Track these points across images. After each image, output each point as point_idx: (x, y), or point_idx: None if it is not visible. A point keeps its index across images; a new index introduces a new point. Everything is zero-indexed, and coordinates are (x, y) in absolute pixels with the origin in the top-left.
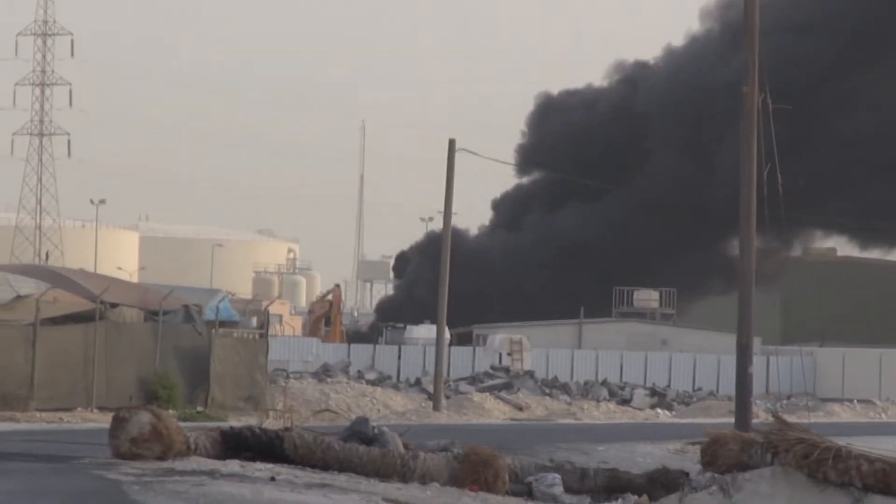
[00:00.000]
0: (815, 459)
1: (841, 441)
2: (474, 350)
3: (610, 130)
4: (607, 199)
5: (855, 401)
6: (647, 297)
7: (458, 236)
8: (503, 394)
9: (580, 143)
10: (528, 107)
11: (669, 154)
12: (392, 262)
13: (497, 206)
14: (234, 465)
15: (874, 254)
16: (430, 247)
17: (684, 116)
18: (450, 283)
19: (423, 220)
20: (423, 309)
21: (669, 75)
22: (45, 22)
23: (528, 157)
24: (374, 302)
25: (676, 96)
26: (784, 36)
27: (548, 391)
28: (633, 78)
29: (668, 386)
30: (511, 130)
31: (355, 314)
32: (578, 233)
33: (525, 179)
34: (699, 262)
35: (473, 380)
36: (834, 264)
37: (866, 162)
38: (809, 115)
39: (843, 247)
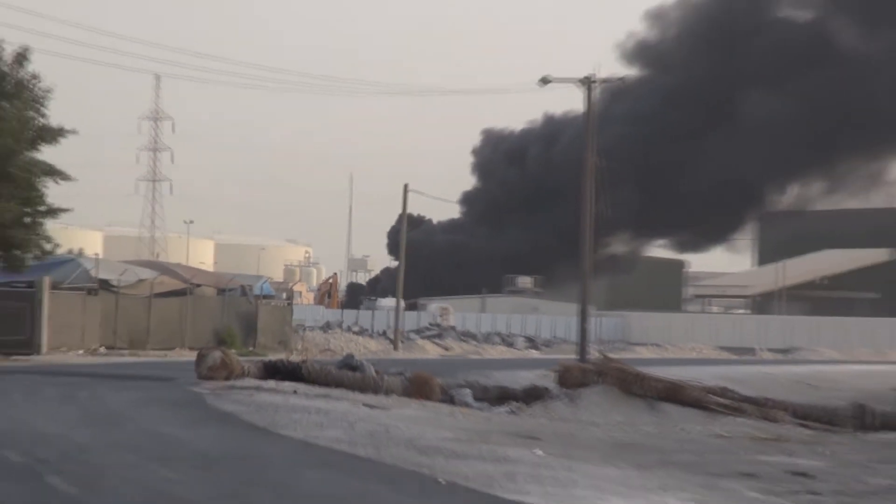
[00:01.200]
0: (626, 381)
1: (642, 369)
2: (419, 314)
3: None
4: (518, 220)
5: (651, 345)
6: (525, 282)
7: (425, 232)
8: (436, 340)
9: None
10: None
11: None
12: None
13: (462, 201)
14: (271, 383)
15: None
16: (394, 248)
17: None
18: (406, 270)
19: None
20: (387, 285)
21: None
22: (156, 109)
23: (468, 196)
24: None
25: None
26: (626, 124)
27: (464, 339)
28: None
29: (538, 335)
30: None
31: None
32: (491, 239)
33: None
34: (567, 260)
35: (418, 332)
36: (642, 260)
37: (676, 199)
38: (646, 169)
39: (661, 251)
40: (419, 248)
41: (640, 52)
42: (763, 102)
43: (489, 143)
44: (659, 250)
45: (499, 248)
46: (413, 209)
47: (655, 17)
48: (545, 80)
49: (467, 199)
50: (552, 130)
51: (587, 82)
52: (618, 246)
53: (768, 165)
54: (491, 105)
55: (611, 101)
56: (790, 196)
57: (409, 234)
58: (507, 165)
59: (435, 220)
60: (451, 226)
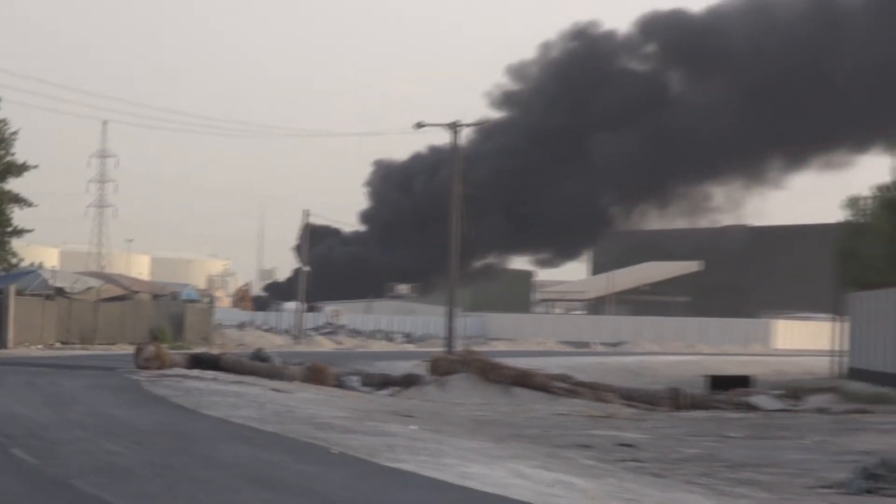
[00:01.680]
0: (485, 369)
1: (498, 360)
2: (316, 314)
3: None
4: (403, 237)
5: (506, 340)
6: (403, 288)
7: (328, 247)
8: (331, 336)
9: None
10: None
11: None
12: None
13: (361, 219)
14: (196, 372)
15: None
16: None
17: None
18: (308, 278)
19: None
20: (291, 291)
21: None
22: (102, 149)
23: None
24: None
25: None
26: (498, 157)
27: (353, 335)
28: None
29: (413, 332)
30: None
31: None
32: (381, 253)
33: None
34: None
35: (316, 329)
36: (501, 271)
37: (537, 222)
38: (513, 197)
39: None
40: (320, 259)
41: (506, 99)
42: (608, 141)
43: (380, 172)
44: (514, 262)
45: (387, 260)
46: (326, 222)
47: (517, 70)
48: (419, 125)
49: (366, 217)
50: (435, 161)
51: (453, 126)
52: (484, 260)
53: (613, 193)
54: (384, 144)
55: (485, 138)
56: (629, 218)
57: (315, 245)
58: (397, 191)
59: (347, 229)
60: (355, 238)
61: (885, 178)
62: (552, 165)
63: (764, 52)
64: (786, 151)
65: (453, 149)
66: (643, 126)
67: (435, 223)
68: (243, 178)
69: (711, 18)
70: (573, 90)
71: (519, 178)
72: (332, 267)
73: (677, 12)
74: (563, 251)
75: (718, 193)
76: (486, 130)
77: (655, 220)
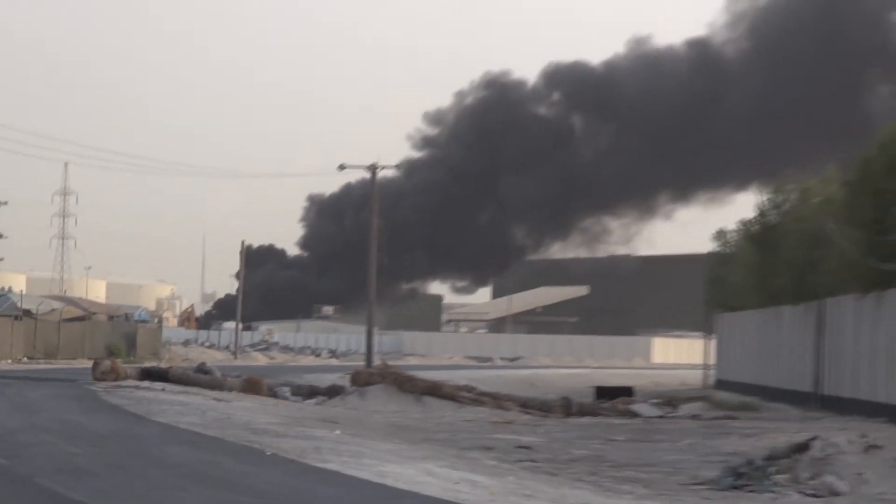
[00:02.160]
0: (400, 381)
1: (411, 372)
2: (252, 333)
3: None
4: (333, 264)
5: (419, 356)
6: (328, 310)
7: (269, 270)
8: (265, 352)
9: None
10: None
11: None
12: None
13: (300, 246)
14: (146, 383)
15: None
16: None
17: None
18: (247, 300)
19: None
20: (232, 313)
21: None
22: (64, 187)
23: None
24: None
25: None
26: (420, 194)
27: (284, 351)
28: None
29: (337, 348)
30: None
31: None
32: (312, 277)
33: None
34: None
35: (252, 346)
36: (419, 296)
37: (453, 252)
38: (434, 229)
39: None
40: (259, 283)
41: (426, 142)
42: (518, 180)
43: (314, 206)
44: (434, 287)
45: (318, 285)
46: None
47: (435, 116)
48: (342, 167)
49: (302, 245)
50: (364, 194)
51: (372, 168)
52: (408, 285)
53: (523, 226)
54: (317, 181)
55: (410, 173)
56: (536, 248)
57: (258, 268)
58: (329, 222)
59: (289, 250)
60: (293, 262)
61: (750, 215)
62: (469, 201)
63: (654, 99)
64: (675, 189)
65: (371, 189)
66: (550, 166)
67: (358, 253)
68: (188, 213)
69: (608, 70)
70: (486, 134)
71: (440, 212)
72: (269, 290)
73: (578, 64)
74: (478, 278)
75: (614, 226)
76: (412, 166)
77: (558, 250)
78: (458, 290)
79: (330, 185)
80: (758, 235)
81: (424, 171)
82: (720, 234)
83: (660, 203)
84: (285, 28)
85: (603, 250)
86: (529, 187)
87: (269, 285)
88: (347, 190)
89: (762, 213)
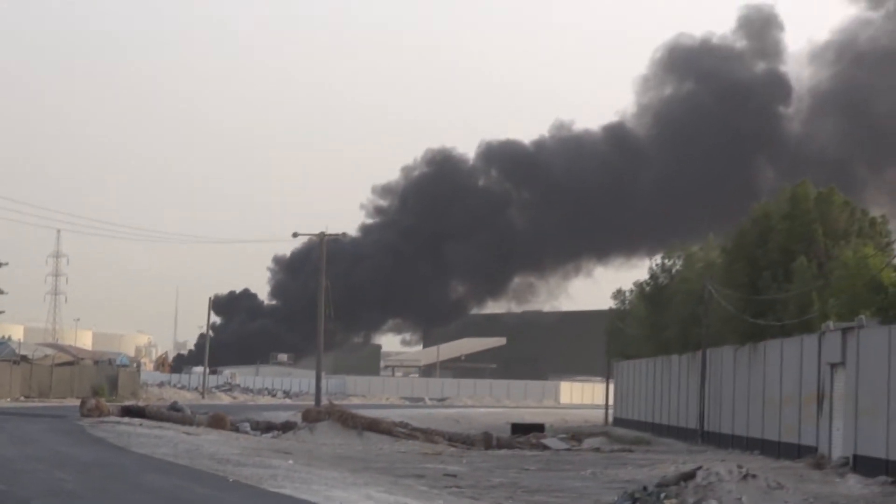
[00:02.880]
0: (344, 418)
1: (354, 411)
2: (218, 376)
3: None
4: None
5: (360, 396)
6: (283, 357)
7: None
8: (229, 393)
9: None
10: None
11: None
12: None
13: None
14: (126, 419)
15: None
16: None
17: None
18: (215, 346)
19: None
20: (199, 358)
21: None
22: (56, 250)
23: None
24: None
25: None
26: (379, 251)
27: (245, 392)
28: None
29: (291, 390)
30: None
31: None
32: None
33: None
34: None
35: (218, 387)
36: (365, 345)
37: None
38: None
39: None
40: (226, 332)
41: (378, 211)
42: (459, 245)
43: (279, 266)
44: (384, 338)
45: (278, 333)
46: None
47: (384, 188)
48: (295, 234)
49: (269, 299)
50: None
51: (321, 236)
52: (357, 336)
53: (462, 284)
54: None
55: (365, 237)
56: (472, 304)
57: (232, 312)
58: (289, 281)
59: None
60: (261, 310)
61: (644, 276)
62: (416, 262)
63: (576, 175)
64: (594, 252)
65: (320, 253)
66: (487, 232)
67: (309, 308)
68: (163, 272)
69: (537, 148)
70: (431, 203)
71: (391, 272)
72: (238, 338)
73: (510, 142)
74: (423, 330)
75: (541, 284)
76: (366, 230)
77: (492, 306)
78: (406, 343)
79: (294, 246)
80: (650, 294)
81: (378, 233)
82: (618, 293)
83: (582, 264)
84: (255, 107)
85: (530, 305)
86: (469, 251)
87: (237, 334)
88: (307, 250)
89: (654, 276)
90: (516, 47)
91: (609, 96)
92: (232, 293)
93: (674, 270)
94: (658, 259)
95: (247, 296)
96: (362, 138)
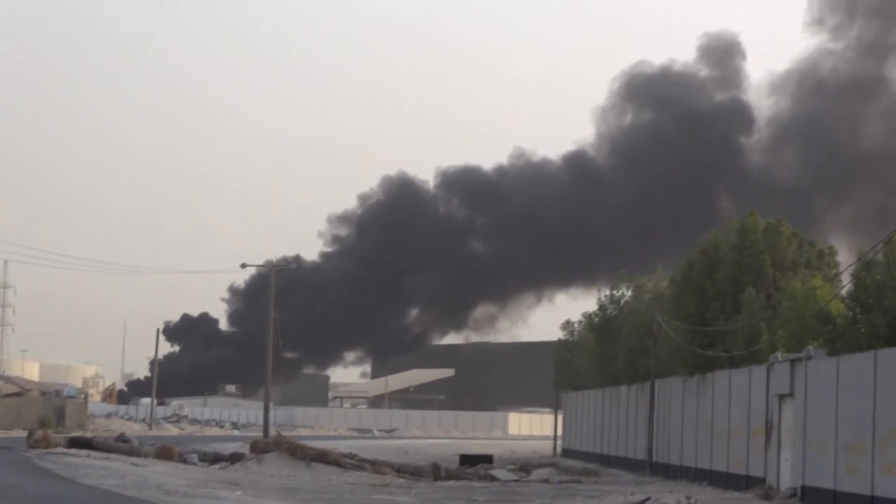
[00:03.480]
0: (292, 449)
1: (302, 442)
2: (165, 407)
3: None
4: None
5: (309, 427)
6: (231, 388)
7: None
8: (176, 424)
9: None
10: None
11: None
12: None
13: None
14: (74, 451)
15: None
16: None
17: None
18: (164, 376)
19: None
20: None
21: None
22: (3, 281)
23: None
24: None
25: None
26: (338, 279)
27: (193, 423)
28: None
29: (239, 421)
30: None
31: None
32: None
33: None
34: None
35: (165, 418)
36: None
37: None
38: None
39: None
40: (175, 362)
41: (335, 240)
42: (419, 272)
43: (235, 296)
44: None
45: (227, 364)
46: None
47: (342, 217)
48: (244, 265)
49: (229, 323)
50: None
51: (269, 267)
52: (305, 367)
53: (423, 315)
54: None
55: (325, 263)
56: (430, 335)
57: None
58: (245, 309)
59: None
60: (224, 339)
61: (593, 307)
62: (375, 293)
63: (537, 204)
64: (556, 282)
65: (269, 285)
66: (447, 261)
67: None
68: (111, 303)
69: (498, 175)
70: (388, 232)
71: (347, 301)
72: (186, 368)
73: (471, 169)
74: (382, 360)
75: (500, 313)
76: (327, 258)
77: (450, 336)
78: (365, 375)
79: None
80: (599, 325)
81: (337, 261)
82: (567, 324)
83: (544, 293)
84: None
85: (492, 335)
86: (429, 281)
87: (190, 363)
88: (263, 281)
89: (602, 307)
90: (474, 75)
91: (570, 124)
92: (188, 317)
93: (622, 301)
94: (606, 290)
95: (205, 321)
96: (314, 166)
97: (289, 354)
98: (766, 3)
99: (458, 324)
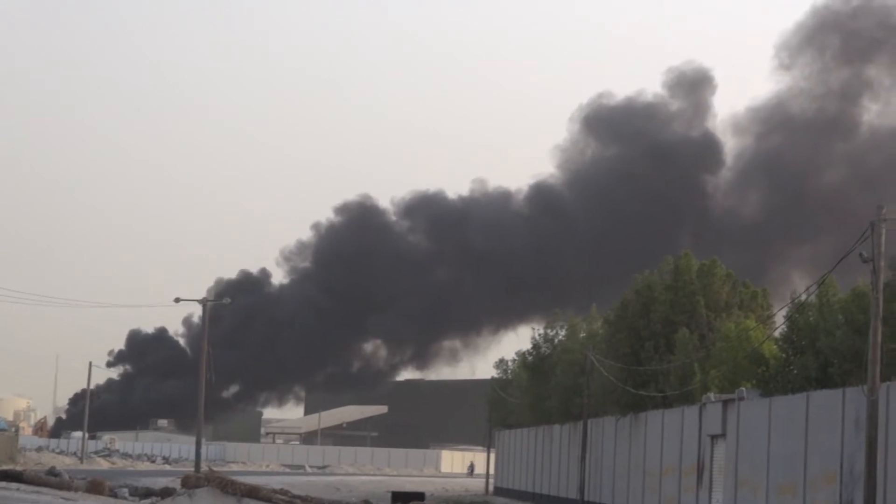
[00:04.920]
0: (223, 484)
1: (234, 477)
2: (97, 441)
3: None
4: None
5: (240, 462)
6: (163, 422)
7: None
8: (108, 458)
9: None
10: None
11: None
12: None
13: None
14: (3, 484)
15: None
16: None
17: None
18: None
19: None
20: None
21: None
22: None
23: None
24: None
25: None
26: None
27: (125, 458)
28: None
29: (171, 455)
30: None
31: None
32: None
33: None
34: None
35: (97, 452)
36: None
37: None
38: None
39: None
40: (109, 400)
41: (292, 271)
42: (380, 308)
43: (188, 329)
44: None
45: (160, 399)
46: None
47: (295, 248)
48: (177, 300)
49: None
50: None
51: (203, 302)
52: (240, 405)
53: (390, 352)
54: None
55: (282, 292)
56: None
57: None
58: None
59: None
60: (143, 374)
61: (527, 346)
62: (331, 328)
63: (499, 236)
64: (518, 314)
65: (203, 321)
66: (408, 295)
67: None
68: (43, 336)
69: (464, 203)
70: (345, 263)
71: (303, 336)
72: (115, 403)
73: (433, 197)
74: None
75: (463, 348)
76: (282, 289)
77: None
78: (309, 409)
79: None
80: (532, 363)
81: (291, 292)
82: (501, 363)
83: (509, 327)
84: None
85: (454, 370)
86: (389, 317)
87: (122, 395)
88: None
89: (536, 345)
90: (438, 101)
91: (532, 155)
92: (122, 351)
93: (556, 340)
94: (541, 329)
95: (141, 352)
96: (259, 194)
97: (230, 390)
98: (733, 44)
99: (419, 359)
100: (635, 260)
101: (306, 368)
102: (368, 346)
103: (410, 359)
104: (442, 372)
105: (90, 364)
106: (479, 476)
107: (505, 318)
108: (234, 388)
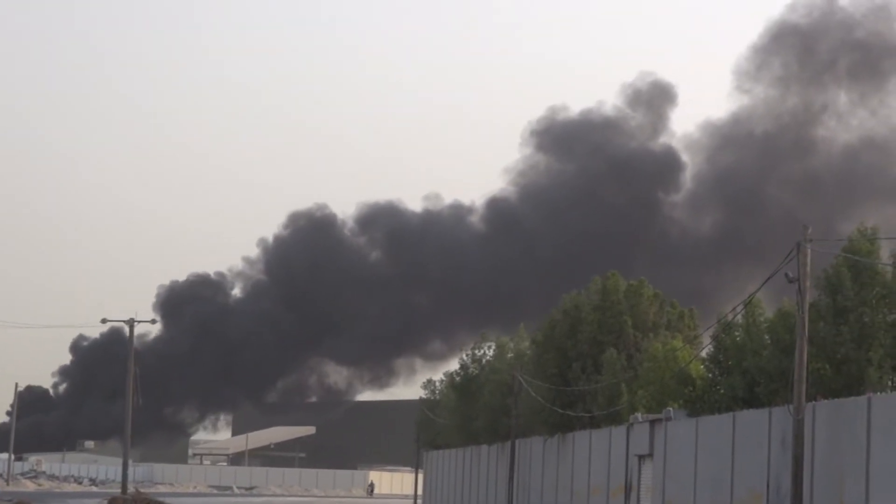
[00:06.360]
0: None
1: (160, 498)
2: (23, 463)
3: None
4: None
5: (168, 484)
6: (90, 444)
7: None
8: (34, 480)
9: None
10: None
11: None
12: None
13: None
14: None
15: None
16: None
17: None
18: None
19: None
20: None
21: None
22: None
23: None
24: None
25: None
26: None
27: (51, 479)
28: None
29: (98, 476)
30: None
31: None
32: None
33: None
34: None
35: (23, 474)
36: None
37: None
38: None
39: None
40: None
41: (246, 286)
42: (333, 326)
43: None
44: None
45: (85, 421)
46: None
47: (246, 267)
48: (104, 320)
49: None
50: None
51: (129, 322)
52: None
53: (339, 369)
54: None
55: (238, 306)
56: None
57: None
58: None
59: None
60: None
61: (454, 366)
62: (284, 346)
63: (452, 254)
64: (472, 332)
65: (129, 341)
66: (364, 315)
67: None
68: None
69: (425, 217)
70: (297, 278)
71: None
72: (43, 424)
73: (390, 210)
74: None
75: (421, 365)
76: (236, 303)
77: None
78: (221, 432)
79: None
80: (460, 384)
81: (245, 308)
82: (429, 383)
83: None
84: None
85: (410, 389)
86: (345, 338)
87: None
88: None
89: (464, 366)
90: (392, 116)
91: (486, 171)
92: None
93: (484, 360)
94: (468, 349)
95: (70, 374)
96: (195, 211)
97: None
98: (693, 60)
99: (381, 377)
100: (587, 274)
101: (256, 387)
102: (323, 367)
103: (370, 380)
104: (369, 393)
105: (16, 385)
106: (407, 497)
107: (459, 339)
108: (176, 407)
